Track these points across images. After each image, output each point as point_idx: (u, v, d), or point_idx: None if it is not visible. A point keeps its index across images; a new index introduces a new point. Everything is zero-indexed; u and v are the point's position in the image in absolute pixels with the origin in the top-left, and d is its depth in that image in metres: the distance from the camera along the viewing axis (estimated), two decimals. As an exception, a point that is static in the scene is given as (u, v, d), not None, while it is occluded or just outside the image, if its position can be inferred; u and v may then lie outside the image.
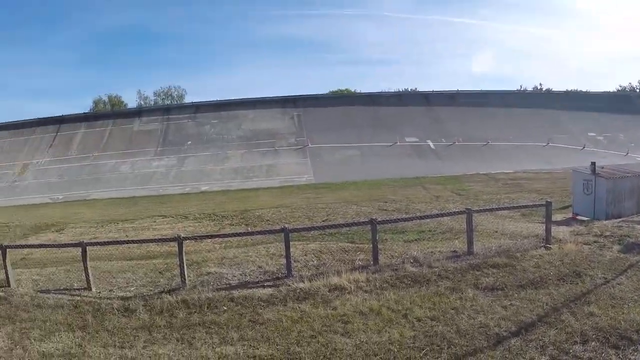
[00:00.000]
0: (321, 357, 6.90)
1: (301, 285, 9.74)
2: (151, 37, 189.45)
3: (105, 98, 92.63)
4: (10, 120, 62.44)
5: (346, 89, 75.38)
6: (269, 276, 10.93)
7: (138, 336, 8.20)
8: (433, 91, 53.68)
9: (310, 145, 46.27)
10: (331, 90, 74.59)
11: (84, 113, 62.03)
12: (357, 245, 13.26)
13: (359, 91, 66.19)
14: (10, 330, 9.27)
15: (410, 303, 8.54)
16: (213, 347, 7.40)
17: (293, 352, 7.06)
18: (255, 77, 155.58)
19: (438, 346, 6.88)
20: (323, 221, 19.38)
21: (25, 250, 17.60)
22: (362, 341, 7.25)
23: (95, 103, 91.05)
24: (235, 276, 11.05)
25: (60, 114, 61.54)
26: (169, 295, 9.94)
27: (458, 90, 52.60)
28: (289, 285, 9.90)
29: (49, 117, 59.04)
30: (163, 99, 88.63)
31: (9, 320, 9.96)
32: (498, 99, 50.69)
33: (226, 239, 15.75)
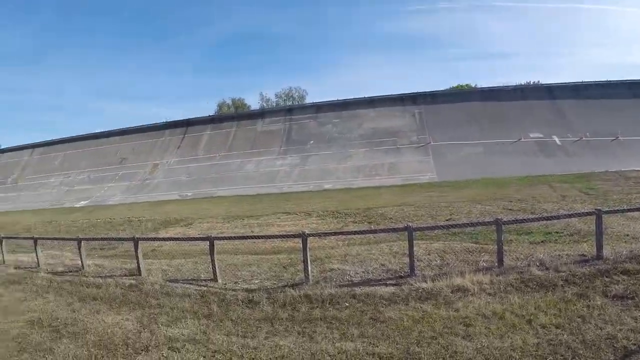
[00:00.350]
0: (440, 359, 7.10)
1: (424, 285, 10.07)
2: (271, 40, 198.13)
3: (229, 101, 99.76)
4: (141, 124, 72.42)
5: (466, 85, 73.07)
6: (392, 274, 11.39)
7: (260, 327, 9.02)
8: (556, 83, 50.73)
9: (432, 143, 46.74)
10: (451, 86, 72.85)
11: (210, 116, 69.15)
12: (481, 245, 13.55)
13: (478, 86, 63.40)
14: (140, 315, 10.73)
15: (535, 308, 8.51)
16: (333, 342, 7.93)
17: (412, 352, 7.33)
18: (374, 76, 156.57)
19: (562, 356, 6.83)
20: (446, 220, 20.28)
21: (156, 243, 20.45)
22: (483, 345, 7.32)
23: (220, 106, 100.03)
24: (357, 273, 11.65)
25: (187, 117, 69.21)
26: (292, 289, 10.76)
27: (582, 82, 48.67)
28: (412, 285, 10.24)
29: (177, 121, 67.96)
30: (284, 100, 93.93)
31: (139, 305, 11.51)
32: (626, 89, 46.26)
33: (349, 236, 16.60)
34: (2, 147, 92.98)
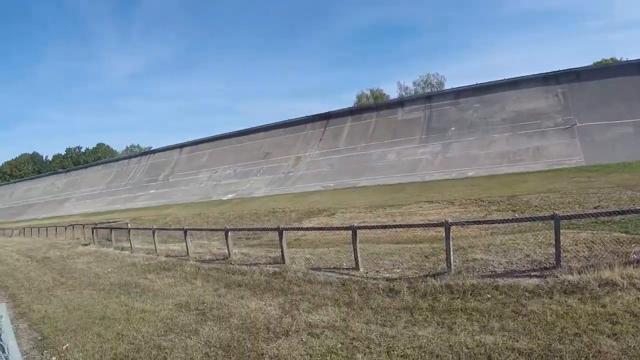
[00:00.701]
0: (583, 358, 6.53)
1: (569, 277, 9.37)
2: (407, 29, 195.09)
3: (368, 92, 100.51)
4: (283, 120, 77.05)
5: (611, 58, 66.16)
6: (536, 266, 10.72)
7: (400, 316, 9.02)
8: None
9: (577, 124, 43.31)
10: (594, 61, 66.38)
11: (349, 108, 70.88)
12: (632, 236, 12.35)
13: (625, 59, 56.60)
14: (282, 301, 11.23)
15: (693, 309, 7.94)
16: (472, 335, 7.68)
17: (554, 349, 6.84)
18: (513, 57, 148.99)
19: None
20: (595, 208, 19.29)
21: (300, 232, 21.56)
22: (630, 346, 6.60)
23: (359, 98, 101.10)
24: (501, 264, 11.17)
25: (327, 111, 71.41)
26: (434, 279, 10.62)
27: None
28: (557, 277, 9.58)
29: (317, 114, 70.44)
30: (423, 87, 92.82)
31: (281, 292, 12.05)
32: None
33: (493, 225, 16.07)
34: (153, 148, 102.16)
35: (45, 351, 10.01)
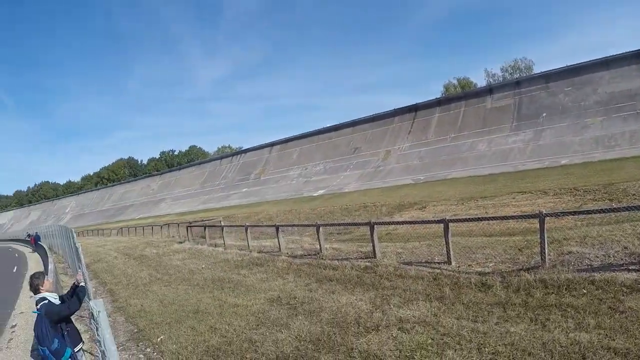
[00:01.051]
0: None
1: None
2: (490, 14, 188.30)
3: (455, 82, 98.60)
4: (370, 114, 77.12)
5: None
6: (635, 259, 10.11)
7: (492, 312, 8.92)
8: None
9: None
10: None
11: (437, 98, 69.47)
12: None
13: None
14: (373, 295, 11.35)
15: None
16: (567, 332, 7.45)
17: None
18: (604, 33, 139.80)
19: None
20: None
21: (391, 226, 21.74)
22: None
23: (446, 87, 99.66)
24: (597, 257, 10.67)
25: (414, 102, 70.59)
26: (527, 273, 10.38)
27: None
28: None
29: (404, 107, 70.90)
30: (511, 73, 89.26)
31: (372, 287, 12.18)
32: None
33: (588, 215, 15.41)
34: (244, 148, 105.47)
35: (141, 343, 10.89)
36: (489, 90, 64.86)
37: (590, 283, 9.20)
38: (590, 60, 53.84)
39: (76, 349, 7.06)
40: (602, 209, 11.06)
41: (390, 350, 7.83)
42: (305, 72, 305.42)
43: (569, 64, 56.21)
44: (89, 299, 6.85)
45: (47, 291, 7.01)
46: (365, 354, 7.83)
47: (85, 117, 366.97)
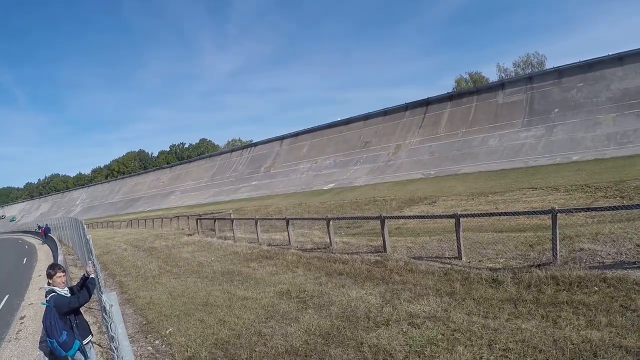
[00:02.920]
0: None
1: None
2: (501, 9, 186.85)
3: (467, 76, 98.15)
4: (381, 108, 76.64)
5: None
6: None
7: (503, 308, 8.90)
8: None
9: None
10: None
11: (448, 93, 68.50)
12: None
13: None
14: (383, 290, 11.39)
15: None
16: (578, 330, 7.43)
17: None
18: (618, 28, 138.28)
19: None
20: None
21: (401, 221, 22.03)
22: None
23: (457, 82, 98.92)
24: (609, 254, 10.62)
25: (426, 97, 70.60)
26: (539, 269, 10.35)
27: None
28: None
29: (415, 101, 70.46)
30: (523, 68, 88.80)
31: (382, 281, 12.22)
32: None
33: (600, 212, 15.26)
34: (254, 141, 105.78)
35: (150, 335, 10.97)
36: (501, 85, 64.55)
37: (602, 280, 9.15)
38: (603, 56, 53.45)
39: (85, 341, 7.13)
40: (614, 206, 10.99)
41: (400, 345, 7.82)
42: (318, 66, 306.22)
43: (582, 60, 55.92)
44: (101, 292, 6.88)
45: (57, 285, 7.06)
46: (375, 348, 7.84)
47: (98, 110, 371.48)
